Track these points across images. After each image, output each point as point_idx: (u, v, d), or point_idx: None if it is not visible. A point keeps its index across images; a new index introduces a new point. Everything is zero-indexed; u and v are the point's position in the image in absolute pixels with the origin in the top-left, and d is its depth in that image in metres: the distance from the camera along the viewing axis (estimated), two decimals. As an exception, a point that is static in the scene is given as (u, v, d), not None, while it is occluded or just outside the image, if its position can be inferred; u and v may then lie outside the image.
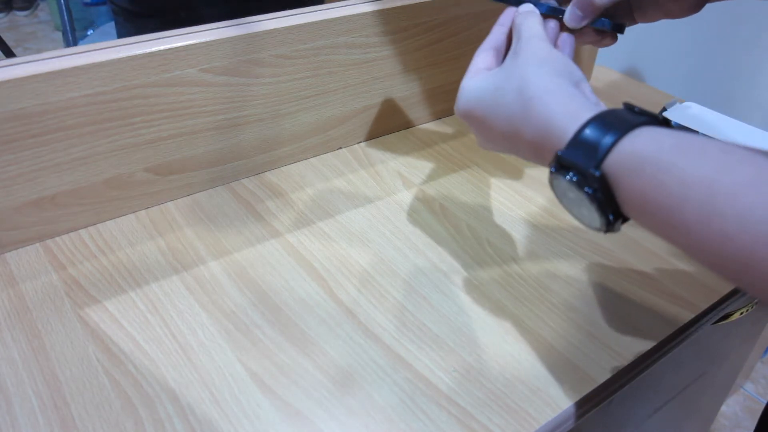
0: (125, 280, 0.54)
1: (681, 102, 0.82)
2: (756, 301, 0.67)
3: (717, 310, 0.56)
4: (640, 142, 0.32)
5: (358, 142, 0.76)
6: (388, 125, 0.77)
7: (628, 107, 0.37)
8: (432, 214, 0.64)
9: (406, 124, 0.79)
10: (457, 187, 0.69)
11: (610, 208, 0.34)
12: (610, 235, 0.61)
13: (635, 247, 0.61)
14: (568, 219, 0.64)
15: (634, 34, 0.67)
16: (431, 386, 0.46)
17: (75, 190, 0.58)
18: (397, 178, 0.70)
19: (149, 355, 0.48)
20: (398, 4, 0.68)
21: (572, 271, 0.58)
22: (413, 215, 0.64)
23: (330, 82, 0.69)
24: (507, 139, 0.41)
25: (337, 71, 0.68)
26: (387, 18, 0.68)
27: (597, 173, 0.33)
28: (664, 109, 0.79)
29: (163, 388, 0.45)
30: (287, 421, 0.43)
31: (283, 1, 0.69)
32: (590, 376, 0.48)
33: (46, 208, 0.57)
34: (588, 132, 0.34)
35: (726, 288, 0.57)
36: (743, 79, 1.19)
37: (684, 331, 0.53)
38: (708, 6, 0.48)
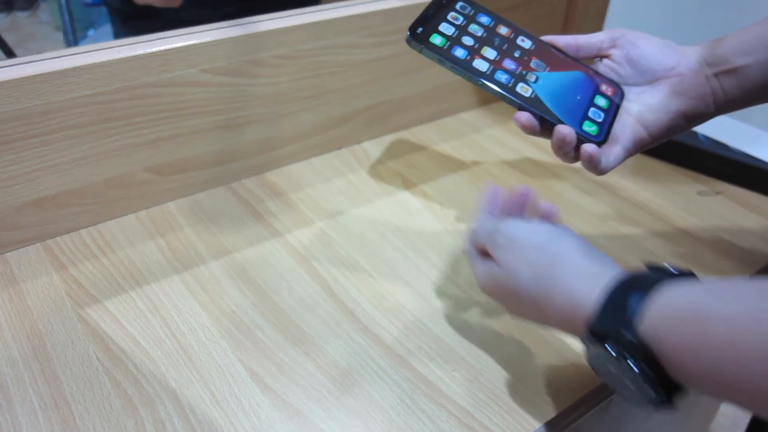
0: (126, 280, 0.54)
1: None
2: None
3: (717, 310, 0.56)
4: (670, 294, 0.30)
5: (358, 142, 0.76)
6: (388, 125, 0.77)
7: (649, 266, 0.36)
8: (432, 214, 0.64)
9: (407, 124, 0.79)
10: (457, 187, 0.69)
11: (656, 375, 0.31)
12: (610, 236, 0.62)
13: (635, 247, 0.61)
14: (568, 219, 0.64)
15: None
16: (431, 386, 0.46)
17: (75, 190, 0.58)
18: (397, 178, 0.70)
19: (149, 355, 0.48)
20: (398, 4, 0.68)
21: (572, 271, 0.58)
22: (413, 215, 0.64)
23: (330, 82, 0.69)
24: (535, 317, 0.41)
25: (338, 71, 0.68)
26: (387, 18, 0.68)
27: (635, 340, 0.30)
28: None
29: (163, 387, 0.45)
30: (287, 421, 0.44)
31: (273, 3, 0.69)
32: (590, 377, 0.48)
33: (46, 208, 0.57)
34: (615, 295, 0.33)
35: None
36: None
37: (684, 331, 0.53)
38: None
